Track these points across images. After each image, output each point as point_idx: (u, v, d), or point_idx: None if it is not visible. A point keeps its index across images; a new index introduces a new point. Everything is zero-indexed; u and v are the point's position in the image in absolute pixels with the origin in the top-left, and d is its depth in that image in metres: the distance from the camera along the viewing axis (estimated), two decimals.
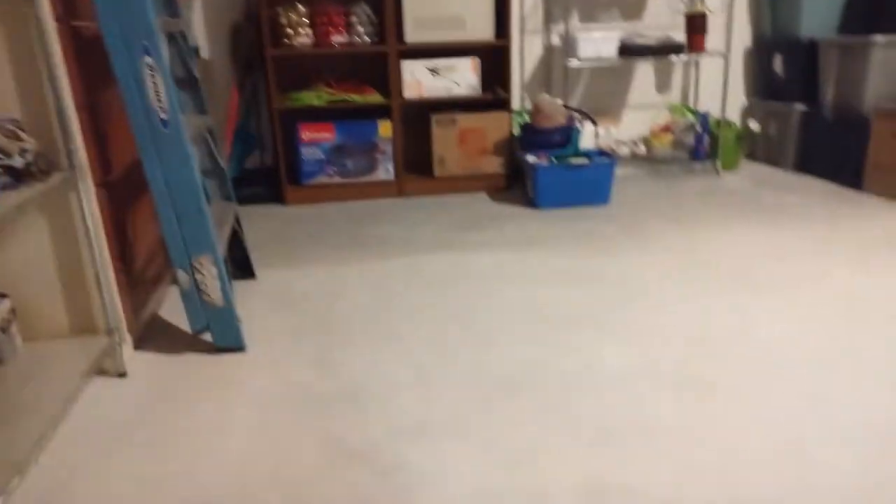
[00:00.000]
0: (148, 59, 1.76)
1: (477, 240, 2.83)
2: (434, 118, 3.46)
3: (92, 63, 1.94)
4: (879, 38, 3.29)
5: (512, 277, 2.46)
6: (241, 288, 2.39)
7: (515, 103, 3.88)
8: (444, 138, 3.45)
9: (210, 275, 1.91)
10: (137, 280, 2.11)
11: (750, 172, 3.86)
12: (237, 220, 2.37)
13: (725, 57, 3.70)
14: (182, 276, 1.91)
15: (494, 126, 3.47)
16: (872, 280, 2.38)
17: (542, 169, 3.17)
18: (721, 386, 1.75)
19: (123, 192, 2.09)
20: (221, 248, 1.98)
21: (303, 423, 1.63)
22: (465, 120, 3.46)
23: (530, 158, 3.28)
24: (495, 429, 1.59)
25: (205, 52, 3.59)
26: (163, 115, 1.80)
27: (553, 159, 3.27)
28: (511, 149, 3.53)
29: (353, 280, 2.46)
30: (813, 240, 2.77)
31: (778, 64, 3.91)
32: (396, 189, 3.44)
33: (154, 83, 1.78)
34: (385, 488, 1.41)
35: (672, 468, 1.45)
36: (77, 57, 1.84)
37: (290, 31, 3.30)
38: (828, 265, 2.51)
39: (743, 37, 4.13)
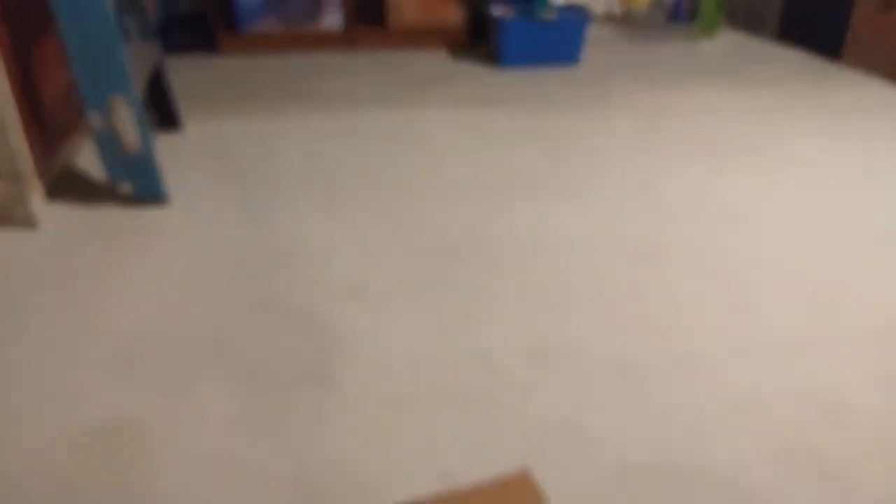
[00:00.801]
0: None
1: (430, 98, 2.62)
2: None
3: None
4: None
5: (464, 138, 2.29)
6: (166, 140, 2.16)
7: None
8: None
9: (126, 117, 1.69)
10: (47, 124, 1.88)
11: (728, 40, 3.64)
12: (160, 65, 2.10)
13: None
14: (94, 116, 1.69)
15: None
16: (833, 146, 2.31)
17: (507, 23, 2.90)
18: (675, 246, 1.69)
19: (26, 25, 1.79)
20: (139, 89, 1.74)
21: (232, 280, 1.51)
22: None
23: (495, 11, 2.99)
24: (439, 290, 1.51)
25: None
26: None
27: (520, 12, 2.99)
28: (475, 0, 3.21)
29: (291, 136, 2.25)
30: (782, 109, 2.65)
31: None
32: (345, 40, 3.12)
33: None
34: (320, 344, 1.32)
35: (619, 325, 1.41)
36: None
37: None
38: (792, 132, 2.42)
39: None
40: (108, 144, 1.72)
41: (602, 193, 1.95)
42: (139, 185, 1.76)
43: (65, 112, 2.02)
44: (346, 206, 1.83)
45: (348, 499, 1.02)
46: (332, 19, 3.03)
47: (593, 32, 3.35)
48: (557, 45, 2.97)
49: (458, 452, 1.10)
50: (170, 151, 2.08)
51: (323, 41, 3.10)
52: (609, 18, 3.62)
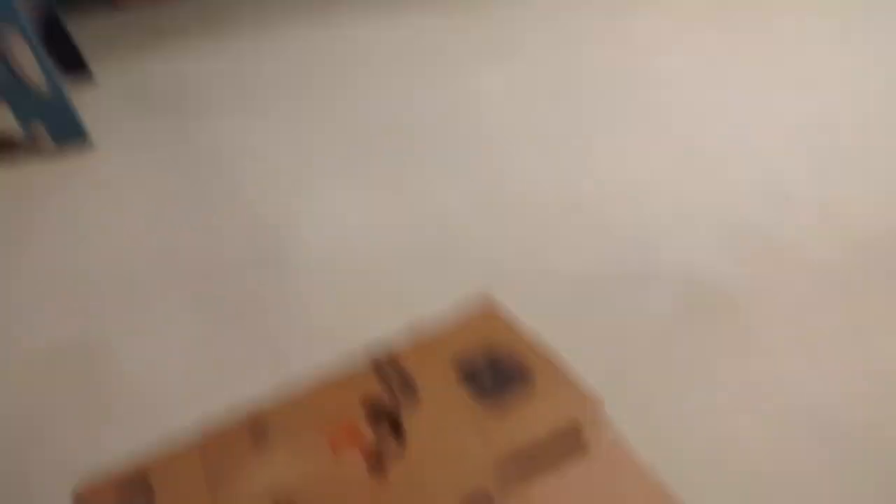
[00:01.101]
0: None
1: (341, 5, 2.55)
2: None
3: None
4: None
5: (384, 33, 2.25)
6: (80, 90, 2.06)
7: None
8: None
9: (24, 53, 1.59)
10: None
11: None
12: (52, 7, 1.97)
13: None
14: None
15: None
16: None
17: None
18: (601, 90, 1.73)
19: None
20: (31, 23, 1.64)
21: (172, 197, 1.48)
22: None
23: None
24: (379, 168, 1.51)
25: None
26: None
27: None
28: None
29: (207, 63, 2.17)
30: None
31: None
32: None
33: None
34: (271, 234, 1.32)
35: (560, 169, 1.45)
36: None
37: None
38: None
39: None
40: (13, 86, 1.63)
41: (523, 56, 1.97)
42: (54, 125, 1.68)
43: None
44: (274, 110, 1.80)
45: (323, 359, 1.04)
46: None
47: None
48: None
49: (421, 299, 1.13)
50: (86, 100, 1.98)
51: None
52: None
